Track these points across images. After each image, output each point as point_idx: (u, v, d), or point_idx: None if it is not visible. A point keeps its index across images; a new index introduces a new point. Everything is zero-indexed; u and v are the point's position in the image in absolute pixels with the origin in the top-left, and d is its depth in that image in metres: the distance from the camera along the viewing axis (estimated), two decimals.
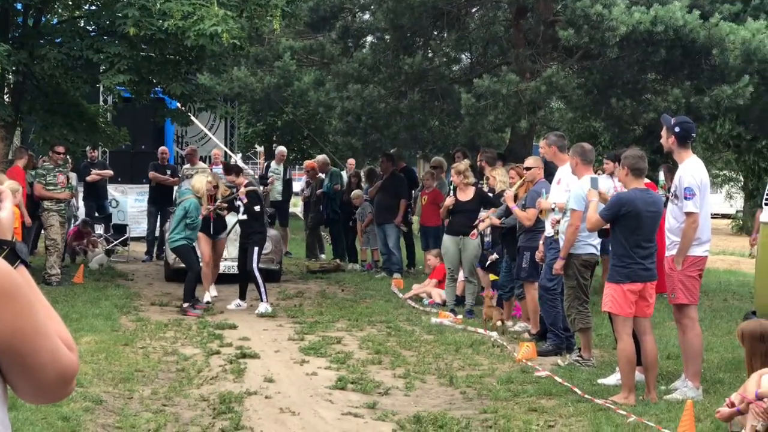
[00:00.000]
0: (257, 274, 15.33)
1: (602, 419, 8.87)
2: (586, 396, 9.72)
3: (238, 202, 15.54)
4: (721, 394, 9.69)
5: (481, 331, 13.54)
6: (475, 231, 14.65)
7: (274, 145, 37.31)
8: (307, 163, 24.66)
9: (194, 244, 15.71)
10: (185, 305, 15.07)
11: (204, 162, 25.26)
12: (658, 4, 16.40)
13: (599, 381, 10.42)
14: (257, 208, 15.62)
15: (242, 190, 15.49)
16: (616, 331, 9.87)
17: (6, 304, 2.37)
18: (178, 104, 21.23)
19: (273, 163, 24.22)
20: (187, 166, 22.89)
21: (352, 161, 25.89)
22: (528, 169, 13.30)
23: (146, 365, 11.25)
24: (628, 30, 16.18)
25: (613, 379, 10.35)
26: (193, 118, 24.50)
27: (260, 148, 35.45)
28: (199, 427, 8.77)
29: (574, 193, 11.30)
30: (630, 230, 9.60)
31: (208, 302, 15.79)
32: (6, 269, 2.39)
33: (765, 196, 11.98)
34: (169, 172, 22.39)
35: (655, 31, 16.38)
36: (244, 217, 15.58)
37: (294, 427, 8.71)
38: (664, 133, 10.16)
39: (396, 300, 16.67)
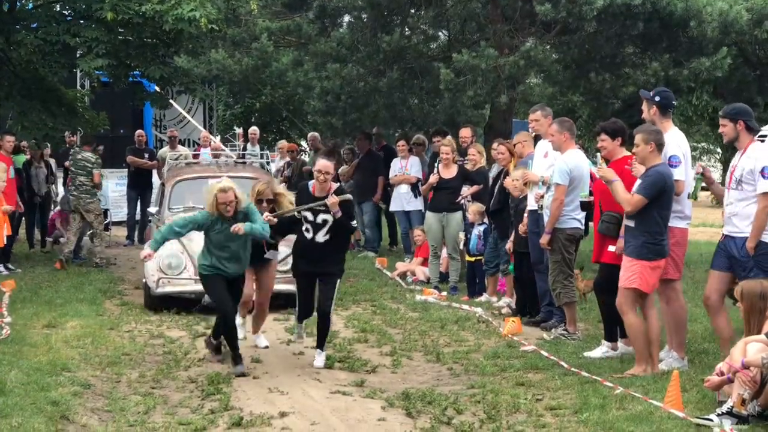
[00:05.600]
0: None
1: (589, 391, 8.92)
2: (572, 369, 9.76)
3: (324, 216, 10.37)
4: (706, 364, 9.77)
5: (465, 307, 13.58)
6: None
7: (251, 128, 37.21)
8: (284, 143, 24.46)
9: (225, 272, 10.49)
10: (206, 350, 11.03)
11: (184, 145, 25.20)
12: None
13: (585, 354, 10.46)
14: (354, 223, 10.78)
15: (334, 199, 10.25)
16: (626, 306, 9.57)
17: None
18: (156, 87, 21.14)
19: (248, 145, 24.15)
20: (166, 149, 22.82)
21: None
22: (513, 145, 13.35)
23: (133, 349, 11.24)
24: (605, 3, 16.21)
25: (599, 352, 10.40)
26: (171, 101, 24.40)
27: (239, 130, 35.30)
28: (188, 409, 8.80)
29: (558, 168, 11.32)
30: (665, 206, 9.41)
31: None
32: None
33: None
34: (147, 155, 22.32)
35: (632, 3, 16.43)
36: (326, 238, 10.42)
37: (283, 407, 8.72)
38: (645, 106, 10.16)
39: (380, 278, 16.67)
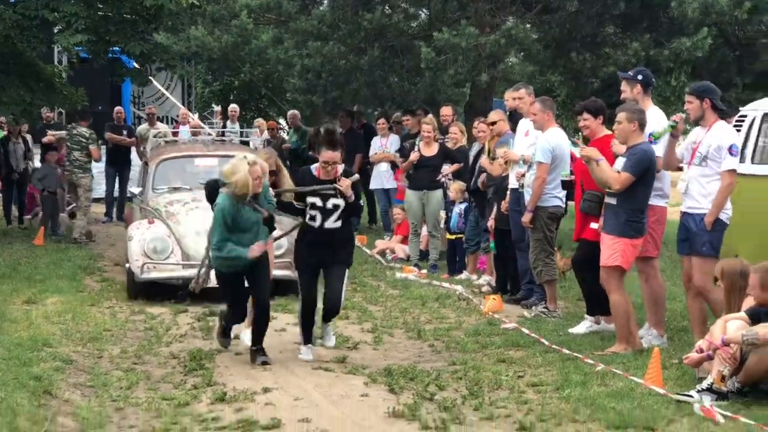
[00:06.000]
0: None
1: (571, 368, 8.98)
2: (553, 346, 9.82)
3: (336, 201, 9.50)
4: (685, 341, 9.86)
5: (446, 285, 13.62)
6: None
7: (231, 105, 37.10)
8: (260, 121, 24.42)
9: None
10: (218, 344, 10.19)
11: (163, 122, 25.09)
12: None
13: (569, 330, 10.52)
14: (361, 203, 10.15)
15: (346, 182, 9.43)
16: (611, 284, 9.63)
17: None
18: (135, 64, 21.05)
19: (228, 123, 24.08)
20: (145, 126, 22.73)
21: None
22: (493, 123, 13.28)
23: (114, 325, 11.27)
24: None
25: (582, 327, 10.48)
26: (151, 78, 24.31)
27: (217, 108, 35.22)
28: (170, 384, 8.82)
29: (540, 147, 11.37)
30: (649, 184, 9.48)
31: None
32: None
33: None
34: (125, 132, 22.25)
35: None
36: (338, 224, 9.60)
37: (267, 382, 8.73)
38: (625, 86, 10.22)
39: (360, 256, 16.63)
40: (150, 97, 29.43)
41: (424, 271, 14.83)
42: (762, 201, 11.17)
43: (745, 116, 11.89)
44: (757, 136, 11.61)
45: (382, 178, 18.35)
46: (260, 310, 9.63)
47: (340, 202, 9.44)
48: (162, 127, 22.66)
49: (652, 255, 10.00)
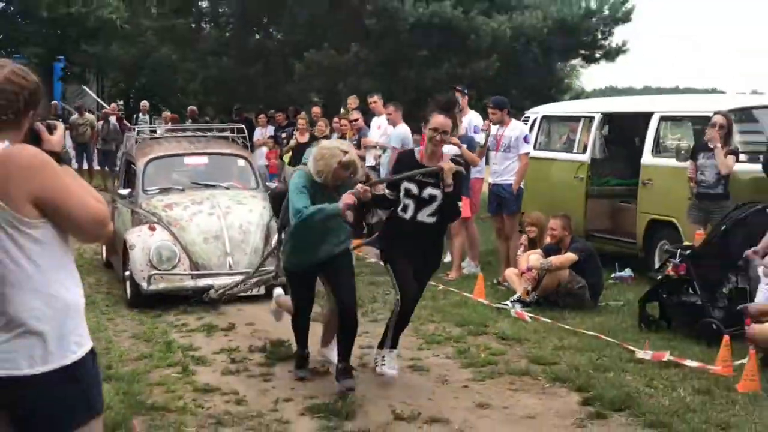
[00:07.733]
0: None
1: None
2: None
3: (433, 191, 6.26)
4: (491, 270, 10.68)
5: None
6: None
7: (143, 101, 36.46)
8: (168, 114, 24.33)
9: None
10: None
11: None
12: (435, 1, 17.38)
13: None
14: (460, 205, 6.52)
15: (449, 164, 6.21)
16: (459, 228, 10.45)
17: (39, 173, 2.78)
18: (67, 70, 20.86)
19: (140, 115, 23.87)
20: (76, 116, 22.37)
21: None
22: (356, 119, 13.96)
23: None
24: (414, 20, 17.02)
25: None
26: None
27: (113, 105, 34.54)
28: None
29: (395, 135, 11.95)
30: None
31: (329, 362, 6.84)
32: (35, 151, 2.79)
33: None
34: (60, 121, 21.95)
35: (432, 22, 17.30)
36: (431, 220, 6.31)
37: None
38: (459, 96, 10.93)
39: None
40: (72, 93, 28.88)
41: None
42: (542, 175, 12.15)
43: (529, 117, 12.92)
44: (538, 131, 12.65)
45: (260, 157, 18.82)
46: (346, 318, 6.34)
47: (438, 192, 6.24)
48: (89, 117, 22.42)
49: (474, 212, 10.93)
